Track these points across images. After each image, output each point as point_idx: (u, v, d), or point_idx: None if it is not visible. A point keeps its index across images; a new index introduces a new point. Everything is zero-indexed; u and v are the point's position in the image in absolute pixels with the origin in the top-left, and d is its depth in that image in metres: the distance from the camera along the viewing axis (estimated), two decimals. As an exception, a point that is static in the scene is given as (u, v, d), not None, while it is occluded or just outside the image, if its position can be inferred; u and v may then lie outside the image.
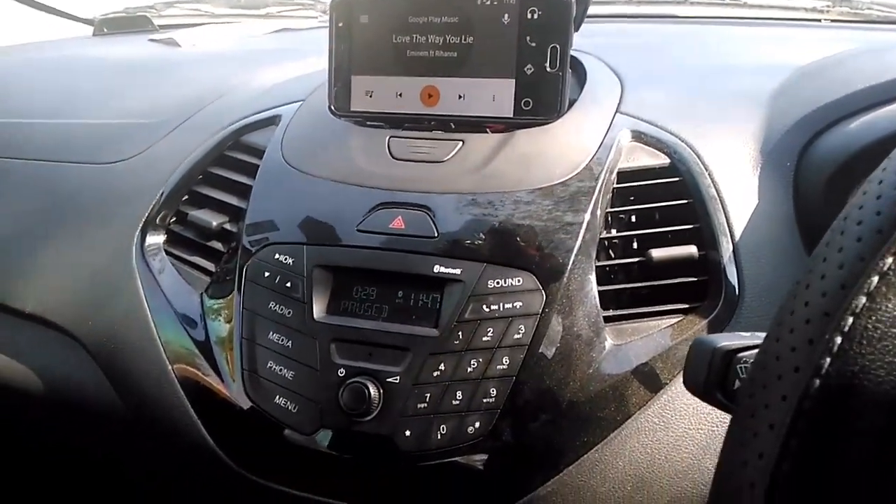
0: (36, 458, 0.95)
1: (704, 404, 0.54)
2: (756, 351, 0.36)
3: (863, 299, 0.23)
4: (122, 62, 1.06)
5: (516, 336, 0.56)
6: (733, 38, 0.92)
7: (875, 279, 0.23)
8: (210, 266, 0.69)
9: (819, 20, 1.04)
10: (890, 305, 0.23)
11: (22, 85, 1.03)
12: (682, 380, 0.54)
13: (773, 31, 0.96)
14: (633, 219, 0.62)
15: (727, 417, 0.54)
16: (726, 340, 0.37)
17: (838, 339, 0.23)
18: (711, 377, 0.36)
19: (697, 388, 0.37)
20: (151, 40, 1.17)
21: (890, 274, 0.23)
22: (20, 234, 0.79)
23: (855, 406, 0.23)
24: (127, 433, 0.69)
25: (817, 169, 0.59)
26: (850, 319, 0.23)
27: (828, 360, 0.23)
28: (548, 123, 0.64)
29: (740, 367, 0.36)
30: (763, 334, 0.37)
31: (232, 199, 0.70)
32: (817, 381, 0.23)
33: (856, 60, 0.70)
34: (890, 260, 0.23)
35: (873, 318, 0.23)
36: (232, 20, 1.42)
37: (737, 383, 0.37)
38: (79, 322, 0.72)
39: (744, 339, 0.37)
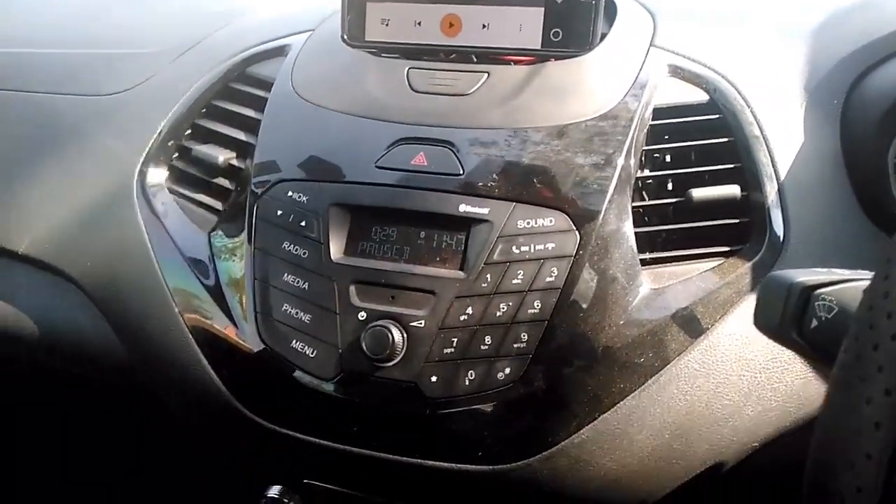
0: (35, 405, 0.92)
1: (747, 351, 0.52)
2: (836, 288, 0.34)
3: None
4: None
5: (548, 279, 0.53)
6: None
7: None
8: (217, 204, 0.65)
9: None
10: None
11: (10, 11, 0.97)
12: (724, 325, 0.52)
13: None
14: (669, 158, 0.58)
15: (770, 364, 0.52)
16: (803, 276, 0.34)
17: None
18: (787, 315, 0.33)
19: (771, 326, 0.34)
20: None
21: None
22: (13, 171, 0.75)
23: None
24: (131, 378, 0.66)
25: (867, 107, 0.56)
26: None
27: None
28: (578, 56, 0.60)
29: (818, 305, 0.34)
30: (842, 271, 0.35)
31: (239, 134, 0.66)
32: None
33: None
34: None
35: None
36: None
37: (814, 322, 0.34)
38: (76, 263, 0.68)
39: (821, 275, 0.34)
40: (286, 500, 0.66)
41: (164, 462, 0.79)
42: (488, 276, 0.53)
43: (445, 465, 0.55)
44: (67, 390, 0.77)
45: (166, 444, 0.74)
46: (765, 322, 0.35)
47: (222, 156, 0.65)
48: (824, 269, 0.36)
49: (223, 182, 0.65)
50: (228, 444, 0.66)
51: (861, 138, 0.56)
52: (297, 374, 0.56)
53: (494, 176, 0.55)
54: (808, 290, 0.34)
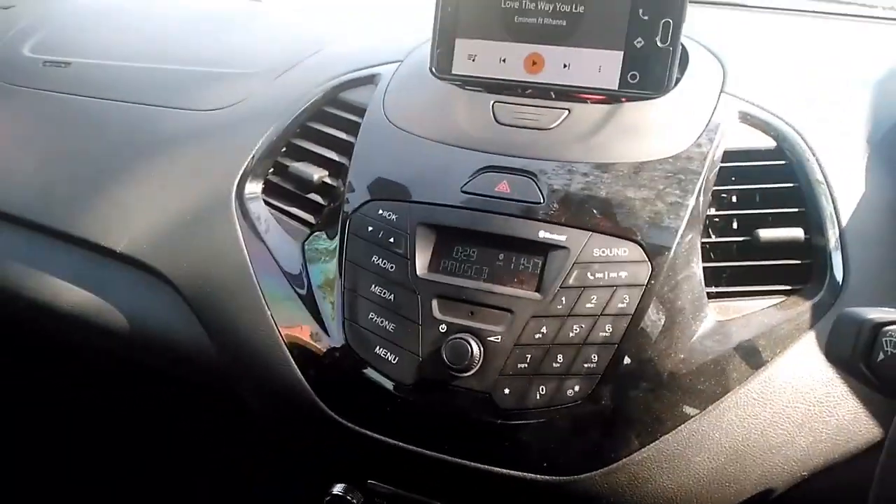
0: (124, 398, 0.98)
1: (803, 384, 0.56)
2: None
3: None
4: (203, 10, 1.07)
5: (620, 305, 0.57)
6: (822, 29, 0.92)
7: None
8: (309, 217, 0.70)
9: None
10: None
11: (100, 27, 1.04)
12: (783, 359, 0.56)
13: (858, 25, 0.96)
14: (735, 199, 0.62)
15: (824, 398, 0.56)
16: (873, 313, 0.38)
17: None
18: (857, 349, 0.37)
19: (842, 359, 0.38)
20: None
21: None
22: (113, 174, 0.81)
23: None
24: (221, 379, 0.71)
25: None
26: None
27: None
28: (653, 98, 0.64)
29: (886, 341, 0.37)
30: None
31: (332, 154, 0.72)
32: None
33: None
34: None
35: None
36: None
37: (881, 356, 0.37)
38: (173, 264, 0.74)
39: (889, 314, 0.38)
40: (350, 498, 0.71)
41: (236, 455, 0.84)
42: (563, 298, 0.57)
43: (511, 472, 0.59)
44: (154, 383, 0.83)
45: (241, 438, 0.79)
46: (836, 354, 0.39)
47: (316, 173, 0.71)
48: (893, 309, 0.39)
49: (316, 197, 0.71)
50: (304, 439, 0.71)
51: (920, 190, 0.60)
52: (379, 377, 0.60)
53: (573, 206, 0.60)
54: (878, 327, 0.38)
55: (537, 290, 0.58)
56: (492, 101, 0.67)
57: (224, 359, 0.71)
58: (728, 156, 0.62)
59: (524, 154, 0.63)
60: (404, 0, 0.97)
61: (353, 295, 0.62)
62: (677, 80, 0.67)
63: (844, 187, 0.60)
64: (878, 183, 0.61)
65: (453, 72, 0.70)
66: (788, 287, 0.59)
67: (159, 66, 0.90)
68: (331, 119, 0.74)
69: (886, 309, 0.38)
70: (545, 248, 0.59)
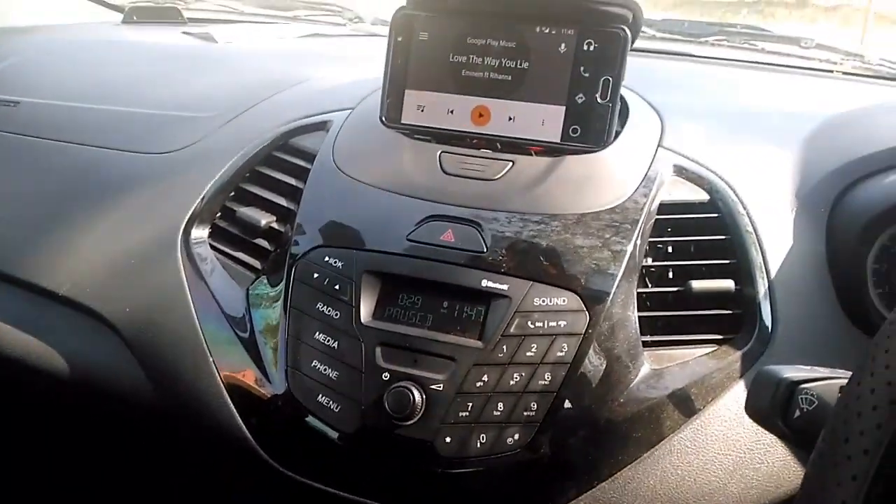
0: (63, 440, 0.95)
1: (733, 432, 0.57)
2: (818, 384, 0.39)
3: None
4: (159, 52, 1.08)
5: (559, 353, 0.58)
6: (755, 81, 0.96)
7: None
8: (255, 263, 0.70)
9: (832, 71, 1.09)
10: None
11: (53, 67, 1.04)
12: (715, 406, 0.57)
13: (789, 77, 1.01)
14: (671, 249, 0.64)
15: (755, 446, 0.58)
16: (790, 372, 0.39)
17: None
18: (775, 405, 0.39)
19: (760, 415, 0.39)
20: (185, 33, 1.19)
21: None
22: (59, 216, 0.80)
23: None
24: (160, 424, 0.70)
25: (852, 217, 0.63)
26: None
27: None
28: (593, 152, 0.67)
29: (801, 398, 0.39)
30: (824, 370, 0.40)
31: (280, 200, 0.72)
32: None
33: (886, 117, 0.74)
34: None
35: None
36: (260, 20, 1.44)
37: (797, 413, 0.39)
38: (115, 308, 0.73)
39: (806, 373, 0.40)
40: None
41: (176, 502, 0.83)
42: (504, 347, 0.58)
43: None
44: (95, 426, 0.81)
45: (182, 485, 0.78)
46: (755, 409, 0.40)
47: (264, 219, 0.71)
48: (808, 367, 0.41)
49: (263, 243, 0.71)
50: (245, 488, 0.70)
51: (844, 245, 0.63)
52: (321, 426, 0.60)
53: (515, 256, 0.61)
54: (794, 385, 0.40)
55: (479, 339, 0.59)
56: (439, 152, 0.68)
57: (164, 404, 0.70)
58: (664, 208, 0.64)
59: (469, 204, 0.64)
60: (360, 47, 0.99)
61: (297, 342, 0.62)
62: (617, 134, 0.69)
63: (773, 239, 0.63)
64: (804, 235, 0.64)
65: (402, 121, 0.71)
66: (720, 336, 0.61)
67: (111, 107, 0.90)
68: (280, 164, 0.75)
69: (802, 367, 0.40)
70: (488, 297, 0.60)
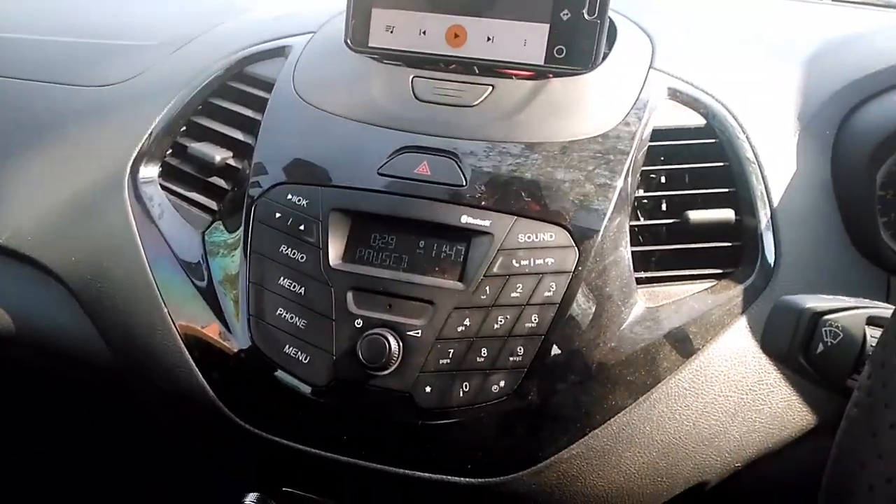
0: (18, 407, 0.89)
1: (735, 372, 0.53)
2: (843, 314, 0.35)
3: None
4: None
5: (546, 293, 0.53)
6: (752, 6, 0.90)
7: None
8: (211, 203, 0.64)
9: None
10: None
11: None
12: (715, 346, 0.53)
13: (785, 3, 0.95)
14: (664, 179, 0.60)
15: (757, 386, 0.54)
16: (812, 302, 0.35)
17: None
18: (797, 340, 0.34)
19: (779, 350, 0.35)
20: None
21: None
22: (-3, 159, 0.73)
23: None
24: (118, 384, 0.65)
25: (859, 140, 0.58)
26: None
27: None
28: (580, 74, 0.61)
29: (825, 331, 0.35)
30: (848, 298, 0.36)
31: (236, 134, 0.65)
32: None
33: (884, 37, 0.69)
34: None
35: None
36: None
37: (820, 347, 0.35)
38: (60, 258, 0.67)
39: (829, 302, 0.35)
40: (264, 507, 0.66)
41: (142, 464, 0.78)
42: (487, 288, 0.53)
43: (434, 476, 0.55)
44: (46, 387, 0.75)
45: (146, 446, 0.73)
46: (773, 346, 0.36)
47: (219, 155, 0.64)
48: (830, 297, 0.37)
49: (219, 181, 0.65)
50: (211, 448, 0.65)
51: (851, 169, 0.58)
52: (289, 379, 0.55)
53: (497, 189, 0.56)
54: (817, 317, 0.35)
55: (460, 280, 0.54)
56: (411, 76, 0.62)
57: (120, 362, 0.65)
58: (657, 134, 0.59)
59: (445, 133, 0.59)
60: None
61: (259, 289, 0.57)
62: (605, 56, 0.63)
63: (776, 166, 0.58)
64: (809, 161, 0.60)
65: (370, 44, 0.65)
66: (720, 270, 0.56)
67: (50, 38, 0.81)
68: (236, 95, 0.68)
69: (824, 296, 0.36)
70: (468, 235, 0.55)
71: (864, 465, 0.24)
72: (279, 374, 0.56)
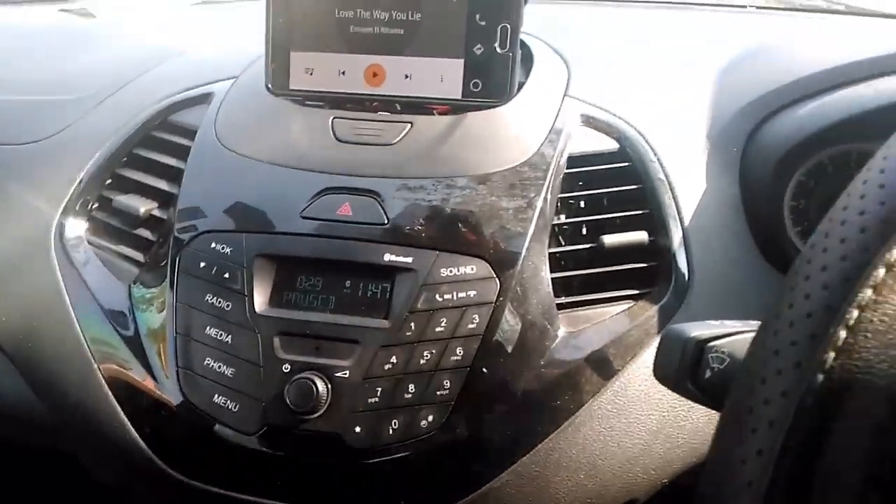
0: None
1: (656, 390, 0.55)
2: (728, 340, 0.36)
3: (869, 292, 0.22)
4: (31, 33, 0.97)
5: (470, 326, 0.54)
6: (666, 21, 0.93)
7: (881, 272, 0.22)
8: (138, 256, 0.64)
9: (745, 6, 1.06)
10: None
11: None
12: (634, 366, 0.55)
13: (701, 15, 0.97)
14: (583, 204, 0.61)
15: (678, 403, 0.55)
16: (697, 330, 0.36)
17: (843, 334, 0.23)
18: (683, 367, 0.36)
19: (669, 378, 0.36)
20: (63, 10, 1.08)
21: None
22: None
23: (857, 401, 0.22)
24: (52, 436, 0.64)
25: (765, 154, 0.60)
26: (856, 313, 0.22)
27: (832, 354, 0.23)
28: (497, 106, 0.62)
29: (711, 357, 0.36)
30: (733, 323, 0.37)
31: (161, 184, 0.66)
32: (820, 377, 0.23)
33: (792, 48, 0.71)
34: None
35: (879, 311, 0.22)
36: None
37: (708, 373, 0.36)
38: None
39: (714, 329, 0.37)
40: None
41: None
42: (412, 324, 0.54)
43: None
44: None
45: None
46: (663, 373, 0.37)
47: (143, 206, 0.64)
48: (717, 322, 0.38)
49: (145, 233, 0.65)
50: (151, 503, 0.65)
51: (758, 185, 0.60)
52: (220, 429, 0.55)
53: (418, 225, 0.57)
54: (702, 343, 0.36)
55: (385, 317, 0.55)
56: (331, 118, 0.63)
57: (55, 421, 0.64)
58: (573, 161, 0.61)
59: (366, 173, 0.59)
60: (244, 15, 0.91)
61: (187, 340, 0.57)
62: (521, 85, 0.65)
63: (687, 185, 0.60)
64: (718, 178, 0.62)
65: (290, 87, 0.66)
66: (637, 291, 0.58)
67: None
68: (160, 144, 0.68)
69: (711, 322, 0.37)
70: (392, 272, 0.56)
71: (743, 462, 0.25)
72: (210, 424, 0.56)
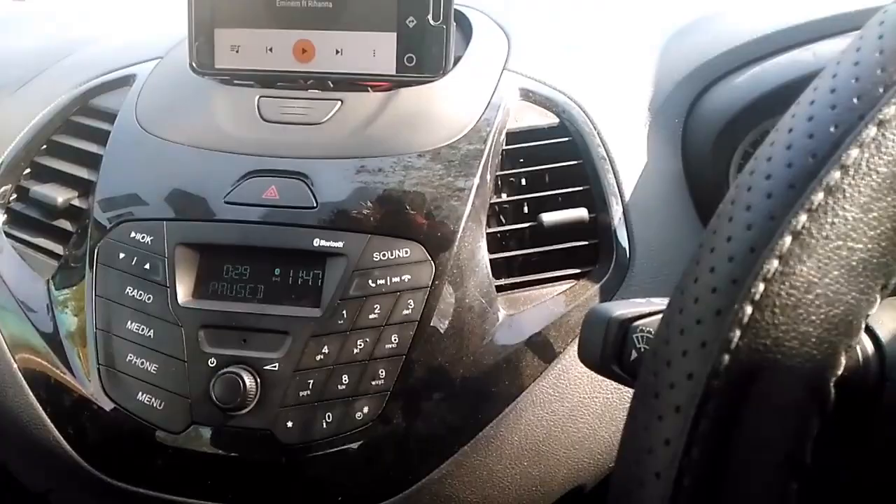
0: None
1: (599, 372, 0.53)
2: (652, 319, 0.34)
3: (775, 263, 0.20)
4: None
5: (405, 312, 0.52)
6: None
7: (787, 240, 0.20)
8: (58, 248, 0.60)
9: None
10: (804, 269, 0.20)
11: None
12: (575, 348, 0.52)
13: None
14: (524, 181, 0.59)
15: (622, 386, 0.53)
16: (621, 309, 0.34)
17: (749, 309, 0.21)
18: (607, 349, 0.34)
19: (593, 361, 0.34)
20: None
21: (804, 233, 0.20)
22: None
23: (769, 381, 0.21)
24: None
25: (705, 125, 0.58)
26: (762, 286, 0.20)
27: (737, 332, 0.21)
28: (432, 81, 0.60)
29: (636, 337, 0.34)
30: (660, 300, 0.35)
31: (81, 172, 0.62)
32: (727, 357, 0.21)
33: (732, 16, 0.69)
34: (804, 218, 0.20)
35: (787, 283, 0.20)
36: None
37: (633, 354, 0.34)
38: None
39: (639, 307, 0.35)
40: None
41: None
42: (344, 312, 0.52)
43: None
44: None
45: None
46: (588, 356, 0.35)
47: (62, 196, 0.61)
48: (643, 300, 0.36)
49: (63, 224, 0.61)
50: None
51: (700, 157, 0.58)
52: (145, 428, 0.53)
53: (349, 207, 0.54)
54: (626, 323, 0.34)
55: (317, 306, 0.52)
56: (256, 97, 0.60)
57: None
58: (511, 137, 0.58)
59: (293, 154, 0.57)
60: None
61: (108, 336, 0.54)
62: (458, 59, 0.62)
63: (627, 160, 0.58)
64: (659, 152, 0.60)
65: (216, 66, 0.62)
66: (577, 270, 0.56)
67: None
68: (79, 130, 0.64)
69: (637, 301, 0.35)
70: (322, 258, 0.53)
71: (650, 451, 0.23)
72: (135, 423, 0.53)
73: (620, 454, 0.24)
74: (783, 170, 0.21)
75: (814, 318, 0.21)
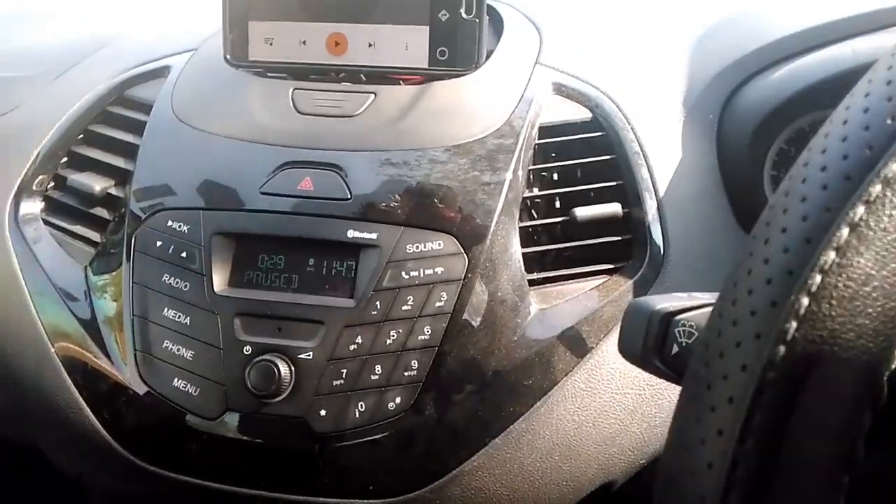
0: None
1: (631, 368, 0.52)
2: (695, 313, 0.34)
3: (832, 254, 0.20)
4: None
5: (438, 304, 0.52)
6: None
7: (845, 231, 0.20)
8: (94, 236, 0.61)
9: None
10: (862, 261, 0.20)
11: None
12: (608, 343, 0.53)
13: None
14: (556, 176, 0.59)
15: (655, 381, 0.53)
16: (663, 303, 0.34)
17: (805, 301, 0.20)
18: (649, 343, 0.34)
19: (634, 354, 0.34)
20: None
21: (861, 225, 0.20)
22: None
23: (824, 374, 0.20)
24: (11, 424, 0.62)
25: (742, 120, 0.58)
26: (819, 278, 0.20)
27: (794, 324, 0.21)
28: (465, 75, 0.60)
29: (679, 331, 0.34)
30: (701, 295, 0.35)
31: (118, 161, 0.63)
32: (782, 349, 0.21)
33: (770, 13, 0.69)
34: (861, 209, 0.20)
35: (844, 275, 0.20)
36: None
37: (675, 348, 0.34)
38: None
39: (681, 301, 0.34)
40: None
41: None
42: (378, 303, 0.52)
43: (334, 501, 0.53)
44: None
45: (53, 496, 0.70)
46: (628, 350, 0.35)
47: (99, 185, 0.62)
48: (685, 294, 0.36)
49: (101, 212, 0.62)
50: (114, 491, 0.63)
51: (736, 152, 0.58)
52: (180, 414, 0.53)
53: (383, 200, 0.54)
54: (668, 317, 0.34)
55: (350, 296, 0.53)
56: (291, 89, 0.60)
57: (14, 408, 0.62)
58: (544, 131, 0.58)
59: (327, 146, 0.57)
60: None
61: (144, 322, 0.55)
62: (490, 53, 0.62)
63: (661, 155, 0.58)
64: (694, 147, 0.59)
65: (250, 58, 0.63)
66: (611, 266, 0.56)
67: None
68: (116, 120, 0.65)
69: (678, 294, 0.35)
70: (356, 249, 0.54)
71: (702, 442, 0.23)
72: (170, 409, 0.54)
73: (669, 444, 0.24)
74: (839, 161, 0.21)
75: (870, 310, 0.20)
